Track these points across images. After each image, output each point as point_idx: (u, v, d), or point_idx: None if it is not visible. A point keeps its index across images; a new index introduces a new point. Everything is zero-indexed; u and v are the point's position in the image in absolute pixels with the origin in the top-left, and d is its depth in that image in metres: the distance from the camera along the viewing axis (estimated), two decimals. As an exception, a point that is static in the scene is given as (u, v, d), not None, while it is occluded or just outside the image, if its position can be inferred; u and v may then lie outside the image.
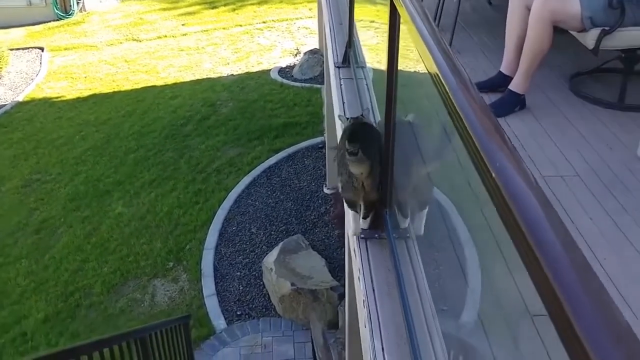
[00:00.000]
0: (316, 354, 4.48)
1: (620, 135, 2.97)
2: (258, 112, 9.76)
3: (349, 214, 2.30)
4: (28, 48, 13.67)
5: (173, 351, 4.59)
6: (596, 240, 2.19)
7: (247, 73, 11.55)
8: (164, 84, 11.50)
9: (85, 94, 11.43)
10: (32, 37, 14.33)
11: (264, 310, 6.20)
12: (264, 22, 14.13)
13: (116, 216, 7.68)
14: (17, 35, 14.40)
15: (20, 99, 11.47)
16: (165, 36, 13.86)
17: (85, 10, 15.69)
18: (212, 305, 6.23)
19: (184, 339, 5.00)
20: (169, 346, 4.48)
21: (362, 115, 2.27)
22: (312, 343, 5.32)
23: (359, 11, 4.10)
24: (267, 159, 8.40)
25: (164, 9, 15.66)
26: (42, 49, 13.53)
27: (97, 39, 13.97)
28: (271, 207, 7.49)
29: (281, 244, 6.55)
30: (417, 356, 1.67)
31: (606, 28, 3.06)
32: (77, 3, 15.45)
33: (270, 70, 11.49)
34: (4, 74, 12.39)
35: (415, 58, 2.11)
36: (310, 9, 14.30)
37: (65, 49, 13.51)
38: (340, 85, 3.54)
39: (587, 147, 2.87)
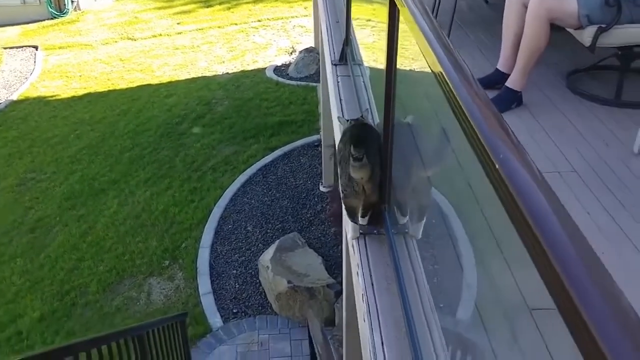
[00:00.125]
0: (316, 351, 4.48)
1: (617, 132, 2.98)
2: (253, 111, 9.76)
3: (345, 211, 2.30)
4: (22, 47, 13.64)
5: (170, 348, 4.59)
6: (594, 235, 2.20)
7: (242, 71, 11.55)
8: (159, 82, 11.49)
9: (80, 92, 11.41)
10: (26, 35, 14.29)
11: (260, 308, 6.20)
12: (259, 21, 14.13)
13: (112, 215, 7.67)
14: (11, 33, 14.36)
15: (14, 97, 11.44)
16: (161, 35, 13.85)
17: (79, 9, 15.66)
18: (208, 303, 6.23)
19: (180, 336, 5.00)
20: (166, 343, 4.48)
21: (361, 116, 2.27)
22: (310, 340, 5.32)
23: (356, 9, 4.10)
24: (263, 157, 8.40)
25: (159, 8, 15.64)
26: (36, 47, 13.50)
27: (92, 37, 13.94)
28: (267, 205, 7.50)
29: (277, 241, 6.56)
30: (416, 349, 1.67)
31: (603, 25, 3.07)
32: (72, 2, 15.42)
33: (265, 68, 11.50)
34: (-3, 72, 12.37)
35: (411, 56, 2.12)
36: (305, 8, 14.31)
37: (60, 47, 13.48)
38: (338, 82, 3.54)
39: (584, 143, 2.88)
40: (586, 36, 3.12)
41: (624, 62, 3.41)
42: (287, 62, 11.62)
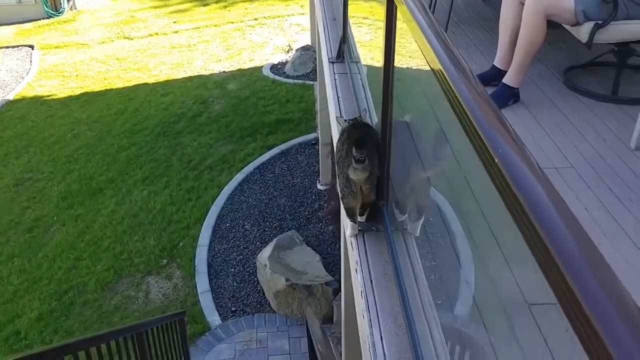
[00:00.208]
0: (315, 348, 4.48)
1: (614, 128, 2.99)
2: (250, 109, 9.76)
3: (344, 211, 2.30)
4: (18, 46, 13.61)
5: (169, 347, 4.60)
6: (591, 230, 2.20)
7: (239, 70, 11.55)
8: (155, 81, 11.48)
9: (77, 92, 11.39)
10: (22, 35, 14.26)
11: (258, 306, 6.20)
12: (255, 19, 14.12)
13: (109, 214, 7.66)
14: (6, 33, 14.33)
15: (10, 97, 11.42)
16: (157, 34, 13.83)
17: (75, 9, 15.63)
18: (206, 301, 6.23)
19: (179, 334, 5.00)
20: (164, 342, 4.48)
21: (360, 116, 2.27)
22: (308, 337, 5.33)
23: (353, 7, 4.10)
24: (260, 155, 8.40)
25: (155, 7, 15.62)
26: (32, 47, 13.47)
27: (88, 37, 13.92)
28: (265, 203, 7.50)
29: (275, 240, 6.56)
30: (415, 345, 1.68)
31: (599, 22, 3.08)
32: (68, 1, 15.39)
33: (262, 67, 11.50)
34: (-6, 72, 12.35)
35: (408, 54, 2.12)
36: (301, 6, 14.31)
37: (56, 47, 13.46)
38: (335, 80, 3.54)
39: (581, 139, 2.89)
40: (583, 32, 3.13)
41: (620, 58, 3.42)
42: (284, 61, 11.62)
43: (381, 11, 1.94)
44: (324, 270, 6.22)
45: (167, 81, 11.43)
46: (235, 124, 9.35)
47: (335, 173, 2.15)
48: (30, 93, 11.53)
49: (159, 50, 12.92)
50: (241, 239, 6.99)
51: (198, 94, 10.63)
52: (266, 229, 7.10)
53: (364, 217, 2.20)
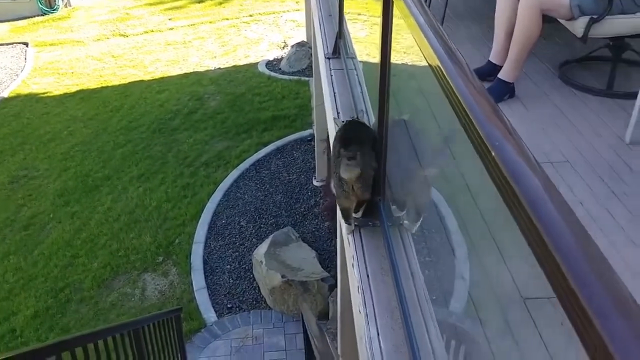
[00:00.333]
0: (312, 343, 4.49)
1: (609, 122, 3.00)
2: (246, 106, 9.75)
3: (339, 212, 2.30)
4: (12, 43, 13.58)
5: (165, 343, 4.59)
6: (586, 223, 2.21)
7: (234, 66, 11.54)
8: (151, 78, 11.46)
9: (73, 89, 11.37)
10: (16, 32, 14.23)
11: (254, 302, 6.21)
12: (250, 16, 14.11)
13: (105, 211, 7.65)
14: (0, 30, 14.29)
15: (5, 94, 11.39)
16: (152, 31, 13.81)
17: (70, 6, 15.59)
18: (202, 298, 6.23)
19: (175, 331, 5.00)
20: (161, 338, 4.48)
21: (357, 117, 2.27)
22: (304, 334, 5.33)
23: (348, 3, 4.10)
24: (256, 152, 8.40)
25: (151, 4, 15.59)
26: (26, 44, 13.43)
27: (84, 34, 13.89)
28: (260, 200, 7.50)
29: (271, 236, 6.56)
30: (412, 340, 1.68)
31: (594, 16, 3.08)
32: (62, -2, 15.36)
33: (257, 63, 11.49)
34: (-12, 69, 12.31)
35: (403, 50, 2.12)
36: (297, 2, 14.29)
37: (51, 44, 13.42)
38: (331, 76, 3.54)
39: (576, 133, 2.90)
40: (578, 27, 3.13)
41: (615, 52, 3.43)
42: (279, 57, 11.61)
43: (377, 7, 1.94)
44: (320, 266, 6.23)
45: (162, 78, 11.41)
46: (230, 120, 9.34)
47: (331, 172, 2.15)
48: (25, 90, 11.50)
49: (154, 48, 12.89)
50: (237, 236, 6.99)
51: (193, 90, 10.62)
52: (262, 225, 7.10)
53: (360, 213, 2.20)
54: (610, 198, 2.39)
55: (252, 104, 9.77)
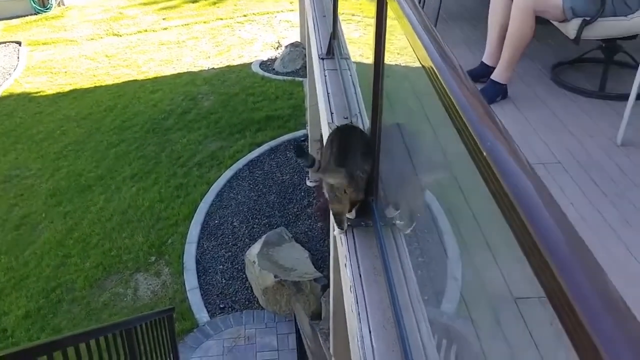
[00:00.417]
0: (304, 343, 4.49)
1: (601, 123, 3.01)
2: (240, 106, 9.75)
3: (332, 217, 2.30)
4: (5, 42, 13.52)
5: (157, 343, 4.59)
6: (577, 224, 2.22)
7: (228, 66, 11.53)
8: (144, 78, 11.44)
9: (66, 88, 11.34)
10: (9, 31, 14.17)
11: (247, 302, 6.20)
12: (244, 16, 14.11)
13: (98, 211, 7.63)
14: (-7, 29, 14.26)
15: (-3, 94, 11.35)
16: (146, 30, 13.78)
17: (63, 5, 15.55)
18: (194, 298, 6.22)
19: (168, 331, 5.00)
20: (153, 338, 4.47)
21: (350, 121, 2.27)
22: (297, 333, 5.33)
23: (342, 4, 4.11)
24: (250, 152, 8.40)
25: (144, 4, 15.57)
26: (19, 43, 13.38)
27: (77, 33, 13.85)
28: (254, 200, 7.50)
29: (264, 236, 6.56)
30: (404, 339, 1.69)
31: (587, 18, 3.10)
32: (55, -3, 15.32)
33: (251, 63, 11.48)
34: (-20, 68, 12.26)
35: (397, 51, 2.13)
36: (291, 2, 14.30)
37: (44, 43, 13.38)
38: (325, 76, 3.55)
39: (569, 135, 2.92)
40: (571, 28, 3.15)
41: (607, 54, 3.45)
42: (273, 57, 11.61)
43: (370, 7, 1.95)
44: (313, 266, 6.23)
45: (156, 78, 11.39)
46: (224, 120, 9.34)
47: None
48: (17, 89, 11.46)
49: (148, 47, 12.87)
50: (230, 236, 6.99)
51: (187, 90, 10.61)
52: (255, 225, 7.10)
53: (353, 213, 2.21)
54: (601, 199, 2.40)
55: (245, 104, 9.77)
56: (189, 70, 11.58)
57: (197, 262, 6.65)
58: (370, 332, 1.76)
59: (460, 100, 1.06)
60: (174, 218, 7.33)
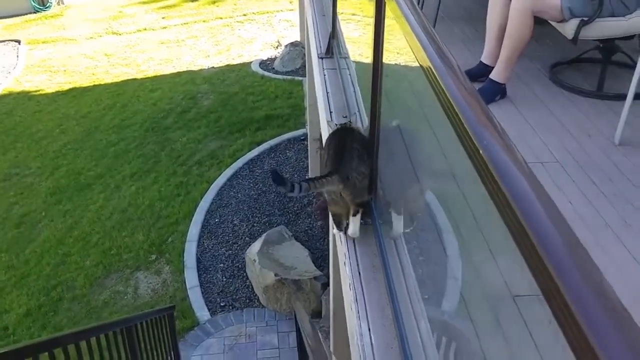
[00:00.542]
0: (305, 341, 4.51)
1: (599, 123, 3.03)
2: (239, 105, 9.76)
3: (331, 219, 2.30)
4: (4, 41, 13.53)
5: (158, 341, 4.60)
6: (575, 224, 2.24)
7: (227, 65, 11.54)
8: (144, 77, 11.45)
9: (65, 87, 11.35)
10: (9, 29, 14.17)
11: (247, 301, 6.22)
12: (244, 15, 14.11)
13: (98, 209, 7.65)
14: (-8, 27, 14.27)
15: (-3, 92, 11.36)
16: (145, 29, 13.79)
17: (63, 3, 15.56)
18: (195, 297, 6.24)
19: (168, 329, 5.01)
20: (154, 336, 4.49)
21: (349, 121, 2.27)
22: (298, 332, 5.35)
23: (341, 3, 4.12)
24: (249, 151, 8.41)
25: (144, 3, 15.57)
26: (18, 41, 13.39)
27: (76, 32, 13.86)
28: (254, 199, 7.51)
29: (264, 235, 6.58)
30: (403, 337, 1.70)
31: (585, 18, 3.12)
32: (55, -5, 15.32)
33: (251, 62, 11.50)
34: (-20, 67, 12.26)
35: (396, 50, 2.15)
36: (290, 2, 14.31)
37: (44, 42, 13.39)
38: (324, 75, 3.56)
39: (567, 134, 2.93)
40: (569, 29, 3.16)
41: (605, 54, 3.46)
42: (273, 56, 11.62)
43: (370, 7, 1.96)
44: (313, 265, 6.25)
45: (155, 77, 11.40)
46: (224, 119, 9.35)
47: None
48: (17, 88, 11.47)
49: (147, 46, 12.88)
50: (230, 234, 7.00)
51: (187, 89, 10.62)
52: (255, 224, 7.11)
53: (359, 216, 2.16)
54: (599, 198, 2.42)
55: (245, 104, 9.78)
56: (189, 69, 11.59)
57: (198, 261, 6.67)
58: (369, 329, 1.78)
59: (458, 100, 1.08)
60: (174, 216, 7.34)
